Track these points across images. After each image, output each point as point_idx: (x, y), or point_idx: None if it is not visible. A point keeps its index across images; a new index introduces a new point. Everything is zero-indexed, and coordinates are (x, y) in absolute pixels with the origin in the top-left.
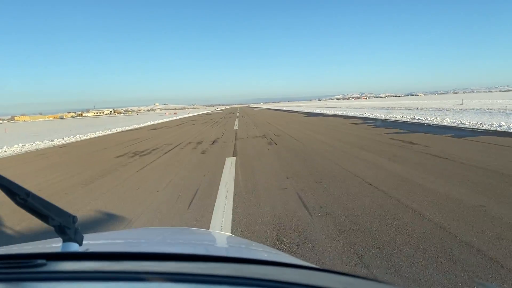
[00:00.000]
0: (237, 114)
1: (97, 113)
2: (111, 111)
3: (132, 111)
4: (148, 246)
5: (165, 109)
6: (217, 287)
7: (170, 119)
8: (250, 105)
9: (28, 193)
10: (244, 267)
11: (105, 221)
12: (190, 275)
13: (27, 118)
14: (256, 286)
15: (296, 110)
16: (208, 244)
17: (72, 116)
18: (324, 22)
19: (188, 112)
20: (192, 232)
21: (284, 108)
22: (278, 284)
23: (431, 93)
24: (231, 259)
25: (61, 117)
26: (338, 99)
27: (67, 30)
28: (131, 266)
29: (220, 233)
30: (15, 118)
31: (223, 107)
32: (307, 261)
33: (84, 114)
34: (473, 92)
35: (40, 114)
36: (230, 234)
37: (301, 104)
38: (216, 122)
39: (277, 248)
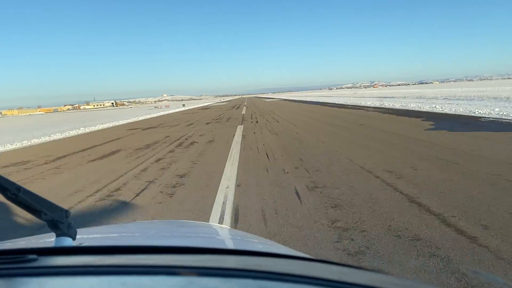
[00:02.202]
0: (243, 112)
1: (96, 105)
2: (112, 103)
3: (140, 102)
4: (142, 240)
5: (172, 100)
6: (211, 279)
7: (140, 118)
8: (258, 95)
9: (19, 188)
10: (238, 259)
11: None
12: (184, 267)
13: (15, 112)
14: (251, 277)
15: (329, 102)
16: (203, 237)
17: (68, 109)
18: (333, 10)
19: (184, 105)
20: (187, 224)
21: (308, 99)
22: (273, 275)
23: (443, 81)
24: (225, 251)
25: (56, 111)
26: (348, 88)
27: (69, 20)
28: (125, 259)
29: (215, 225)
30: (2, 112)
31: (230, 98)
32: None
33: (82, 107)
34: (490, 79)
35: (39, 107)
36: (225, 226)
37: (318, 93)
38: (184, 142)
39: None
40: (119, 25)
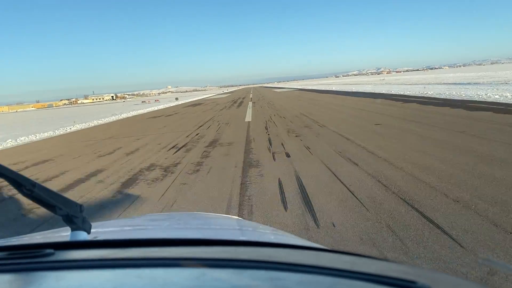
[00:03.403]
0: (248, 117)
1: (95, 99)
2: (112, 97)
3: (144, 95)
4: (155, 232)
5: (176, 92)
6: (223, 271)
7: (75, 127)
8: (263, 85)
9: (34, 184)
10: (250, 250)
11: None
12: (197, 259)
13: (5, 108)
14: (262, 268)
15: (374, 91)
16: (215, 228)
17: (64, 104)
18: None
19: (177, 99)
20: (199, 216)
21: (333, 88)
22: (285, 266)
23: (451, 66)
24: (237, 242)
25: (50, 106)
26: (355, 75)
27: (69, 11)
28: (139, 252)
29: (227, 216)
30: None
31: (235, 88)
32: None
33: (80, 101)
34: (502, 63)
35: (38, 102)
36: (237, 217)
37: (331, 81)
38: None
39: None
40: (122, 17)
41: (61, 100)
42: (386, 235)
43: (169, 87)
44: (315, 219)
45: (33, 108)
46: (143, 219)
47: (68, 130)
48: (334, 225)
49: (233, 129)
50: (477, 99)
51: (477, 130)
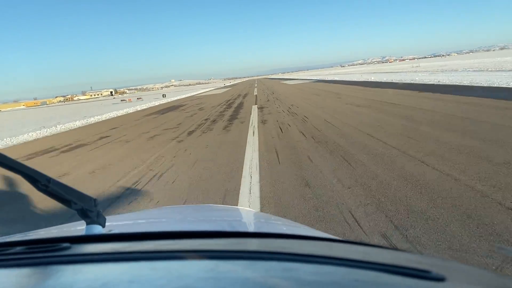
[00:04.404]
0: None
1: (94, 95)
2: (111, 92)
3: (147, 89)
4: (169, 225)
5: (179, 85)
6: (237, 262)
7: None
8: (268, 77)
9: (49, 179)
10: (263, 242)
11: None
12: (210, 251)
13: None
14: (275, 259)
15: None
16: (228, 220)
17: (59, 101)
18: None
19: (164, 96)
20: (212, 208)
21: (373, 78)
22: (298, 257)
23: (458, 52)
24: (250, 234)
25: (44, 103)
26: (360, 64)
27: (67, 6)
28: (153, 245)
29: (239, 208)
30: None
31: (239, 81)
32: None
33: (76, 97)
34: (511, 48)
35: (35, 99)
36: (249, 208)
37: (344, 70)
38: None
39: None
40: (123, 9)
41: (56, 97)
42: None
43: (173, 80)
44: None
45: (23, 107)
46: (156, 212)
47: None
48: None
49: None
50: None
51: None
